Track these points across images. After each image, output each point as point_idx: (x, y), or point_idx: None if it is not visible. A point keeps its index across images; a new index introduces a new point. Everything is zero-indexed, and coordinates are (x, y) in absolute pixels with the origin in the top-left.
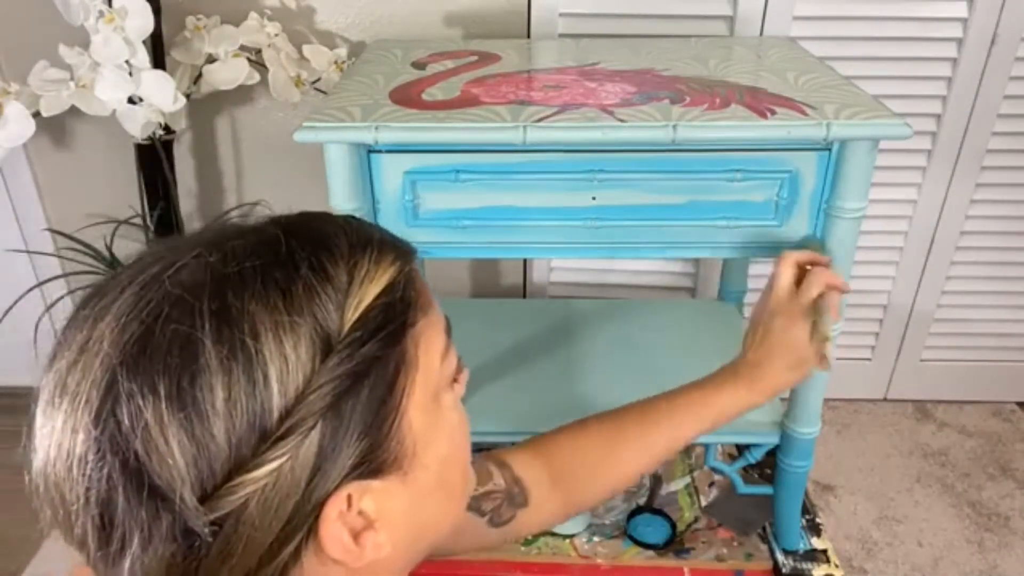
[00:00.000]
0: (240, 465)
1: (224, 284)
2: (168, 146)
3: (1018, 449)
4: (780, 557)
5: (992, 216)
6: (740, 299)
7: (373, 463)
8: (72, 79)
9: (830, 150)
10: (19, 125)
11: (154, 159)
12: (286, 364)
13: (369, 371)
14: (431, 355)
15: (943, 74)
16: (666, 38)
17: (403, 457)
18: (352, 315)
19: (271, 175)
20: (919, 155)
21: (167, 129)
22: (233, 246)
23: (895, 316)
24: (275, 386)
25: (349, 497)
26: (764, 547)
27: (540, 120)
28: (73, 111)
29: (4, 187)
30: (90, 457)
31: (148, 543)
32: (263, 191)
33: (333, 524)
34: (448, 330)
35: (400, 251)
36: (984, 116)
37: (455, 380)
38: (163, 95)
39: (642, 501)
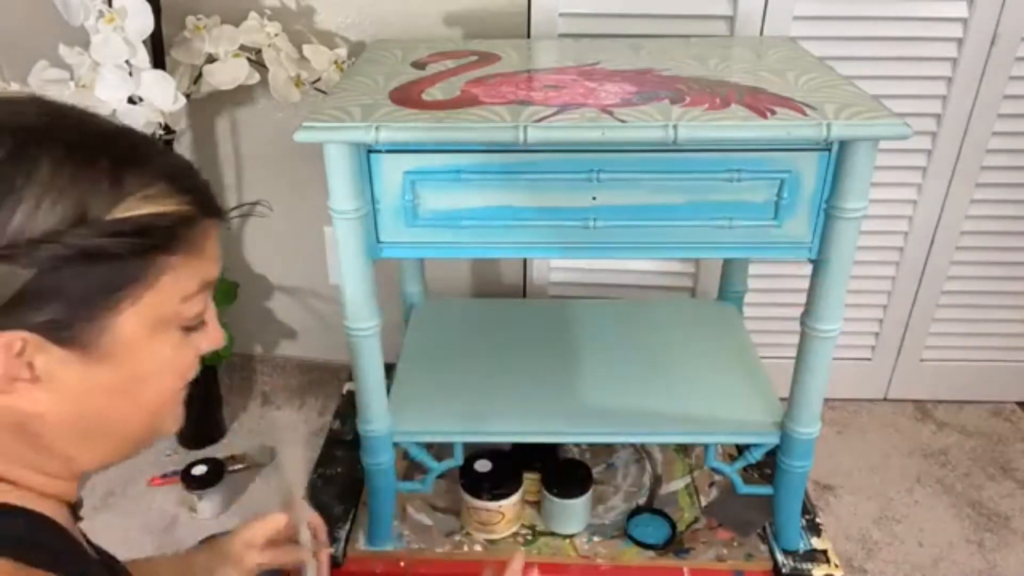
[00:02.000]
0: None
1: (44, 135)
2: (168, 146)
3: (1018, 449)
4: (780, 557)
5: (992, 216)
6: (740, 299)
7: (64, 332)
8: (72, 79)
9: (830, 150)
10: None
11: None
12: (37, 210)
13: (97, 261)
14: (174, 289)
15: (943, 74)
16: (666, 38)
17: (95, 345)
18: (115, 213)
19: (271, 175)
20: (919, 155)
21: (167, 129)
22: (82, 116)
23: (895, 316)
24: (18, 216)
25: (24, 342)
26: (764, 547)
27: (540, 120)
28: None
29: None
30: None
31: None
32: (263, 191)
33: None
34: (207, 285)
35: (203, 203)
36: (984, 116)
37: (192, 328)
38: (163, 95)
39: (642, 501)
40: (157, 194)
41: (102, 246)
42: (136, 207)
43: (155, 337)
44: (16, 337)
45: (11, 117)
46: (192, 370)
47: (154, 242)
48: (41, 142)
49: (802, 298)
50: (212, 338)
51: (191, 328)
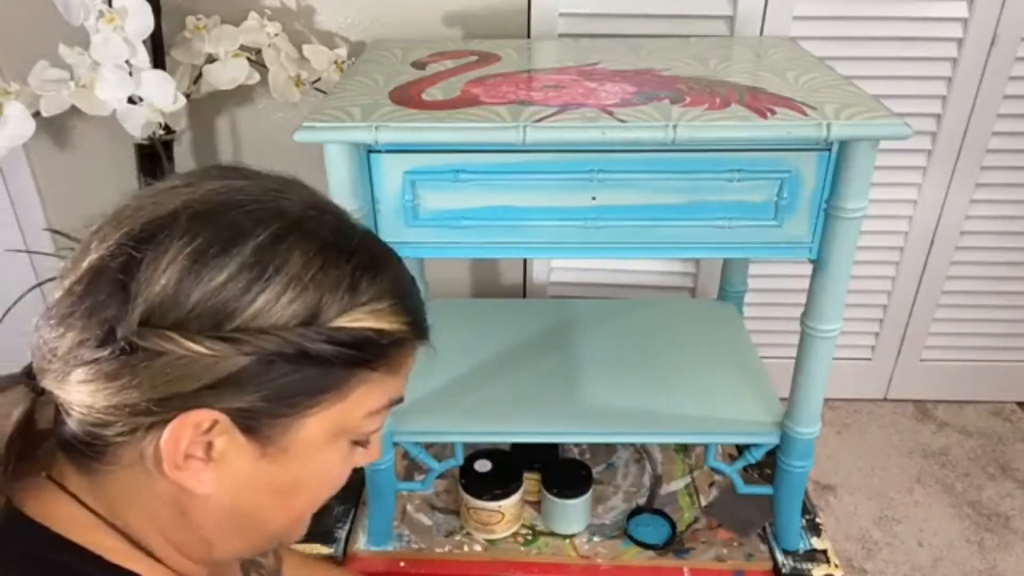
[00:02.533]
0: (182, 327)
1: (300, 226)
2: (168, 146)
3: (1018, 449)
4: (780, 557)
5: (992, 216)
6: (740, 299)
7: (251, 421)
8: (72, 79)
9: (830, 150)
10: (19, 125)
11: (154, 159)
12: (276, 303)
13: (311, 363)
14: (362, 403)
15: (943, 74)
16: (666, 38)
17: (274, 441)
18: (340, 321)
19: None
20: (919, 155)
21: (167, 129)
22: (340, 214)
23: (895, 316)
24: (258, 303)
25: (215, 422)
26: (764, 547)
27: (540, 120)
28: (73, 111)
29: (4, 187)
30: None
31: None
32: None
33: (184, 427)
34: (392, 404)
35: (417, 325)
36: (984, 116)
37: (362, 444)
38: (163, 95)
39: (642, 501)
40: (384, 310)
41: (321, 351)
42: (362, 319)
43: (329, 446)
44: (209, 416)
45: (278, 200)
46: (341, 483)
47: (366, 356)
48: (301, 234)
49: (802, 298)
50: (370, 455)
51: (360, 443)
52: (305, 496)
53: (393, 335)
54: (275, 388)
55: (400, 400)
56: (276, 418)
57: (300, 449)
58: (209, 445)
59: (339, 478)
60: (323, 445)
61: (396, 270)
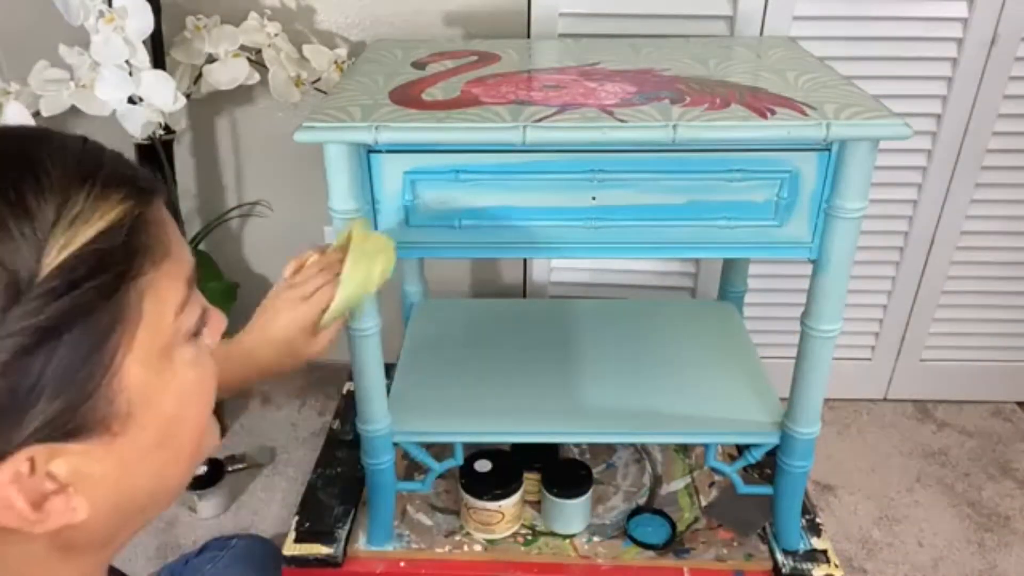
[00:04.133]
0: None
1: None
2: (168, 146)
3: (1018, 449)
4: (780, 557)
5: (992, 216)
6: (740, 299)
7: (70, 424)
8: (72, 79)
9: (830, 150)
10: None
11: (154, 159)
12: None
13: (68, 325)
14: (162, 308)
15: (943, 74)
16: (666, 38)
17: (112, 418)
18: (52, 260)
19: (271, 175)
20: (919, 155)
21: (167, 129)
22: None
23: (895, 316)
24: None
25: (32, 460)
26: (764, 547)
27: (540, 120)
28: (73, 111)
29: None
30: None
31: None
32: (263, 191)
33: (3, 489)
34: (191, 279)
35: (136, 188)
36: (984, 116)
37: (196, 333)
38: (163, 95)
39: (642, 501)
40: (84, 209)
41: (59, 312)
42: (70, 240)
43: (166, 369)
44: (19, 460)
45: None
46: (215, 376)
47: (116, 270)
48: None
49: (802, 298)
50: (215, 326)
51: (196, 333)
52: (188, 425)
53: (120, 224)
54: (53, 382)
55: (194, 270)
56: (87, 401)
57: (142, 399)
58: (51, 476)
59: (206, 379)
60: (160, 374)
61: (56, 149)
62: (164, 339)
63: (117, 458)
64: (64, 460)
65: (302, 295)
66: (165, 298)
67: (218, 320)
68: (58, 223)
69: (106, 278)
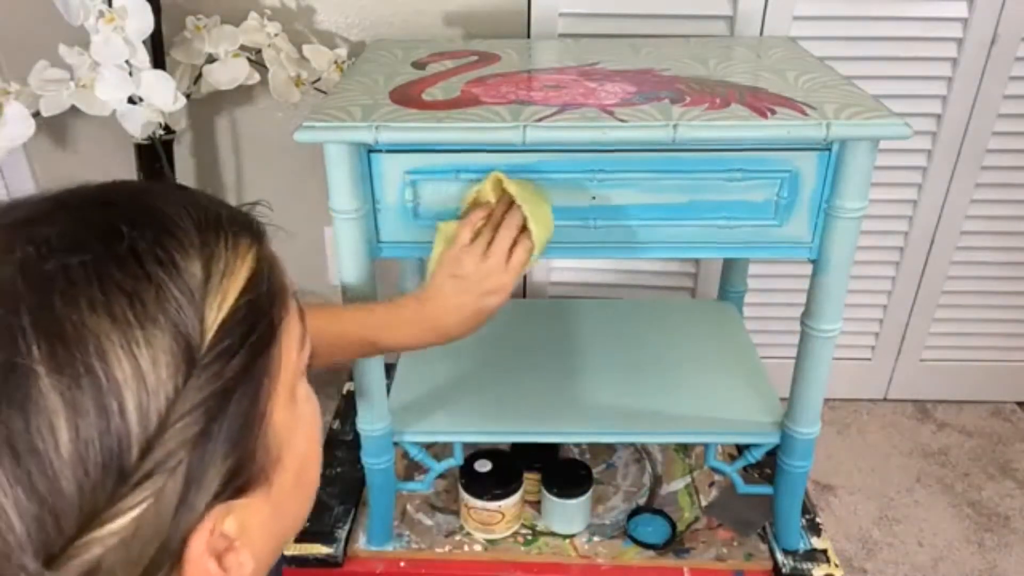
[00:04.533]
0: (93, 517)
1: (48, 290)
2: (168, 146)
3: (1018, 449)
4: (780, 557)
5: (992, 216)
6: (740, 299)
7: (239, 481)
8: (72, 79)
9: (830, 150)
10: (19, 125)
11: (154, 159)
12: (144, 387)
13: (238, 384)
14: (290, 352)
15: (943, 74)
16: (666, 38)
17: (269, 466)
18: (215, 319)
19: (271, 175)
20: (919, 155)
21: (167, 129)
22: (47, 235)
23: (895, 316)
24: (133, 416)
25: (213, 527)
26: (764, 547)
27: (540, 120)
28: (73, 111)
29: (4, 187)
30: None
31: None
32: (263, 191)
33: (200, 558)
34: (303, 312)
35: (254, 230)
36: (984, 116)
37: (309, 365)
38: (163, 95)
39: (642, 501)
40: (227, 260)
41: (232, 373)
42: (224, 295)
43: (295, 408)
44: (206, 525)
45: None
46: (316, 401)
47: (267, 320)
48: (70, 300)
49: (802, 298)
50: (309, 349)
51: (309, 366)
52: (313, 462)
53: (261, 269)
54: (226, 443)
55: (296, 298)
56: (251, 454)
57: (285, 441)
58: (224, 537)
59: (318, 413)
60: (293, 414)
61: (179, 203)
62: (293, 378)
63: (271, 505)
64: (234, 516)
65: (498, 264)
66: (292, 338)
67: (308, 345)
68: (210, 280)
69: (262, 330)
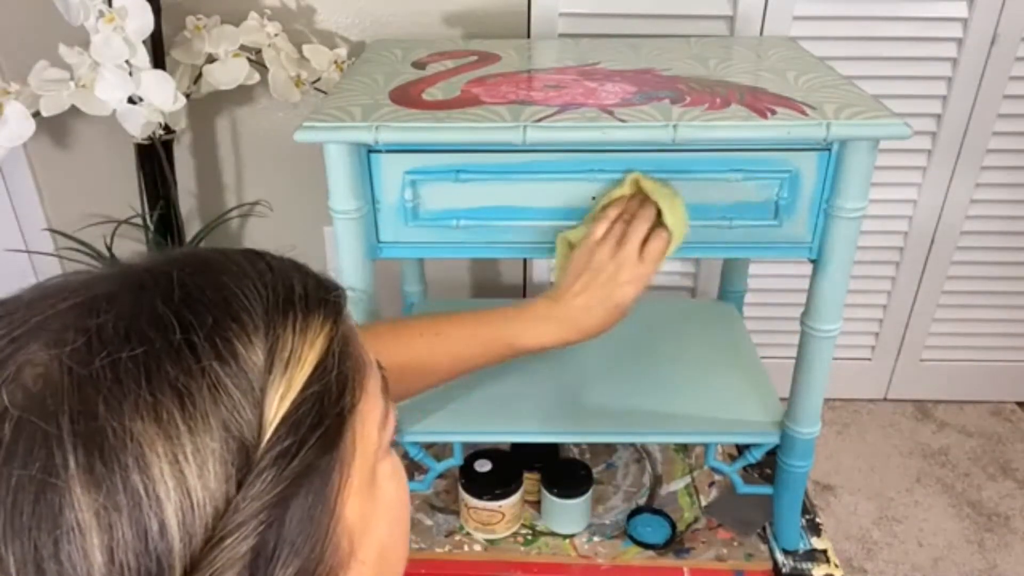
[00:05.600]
0: None
1: (92, 392)
2: (168, 146)
3: (1018, 449)
4: (780, 557)
5: (992, 216)
6: (740, 299)
7: None
8: (72, 79)
9: (830, 150)
10: (19, 125)
11: (154, 159)
12: (190, 501)
13: (300, 487)
14: (369, 434)
15: (943, 74)
16: (666, 38)
17: (340, 564)
18: (275, 415)
19: (271, 175)
20: (919, 155)
21: (167, 129)
22: (101, 324)
23: (895, 316)
24: (175, 534)
25: None
26: (764, 547)
27: (540, 120)
28: (73, 111)
29: (4, 187)
30: None
31: None
32: (263, 191)
33: None
34: (386, 386)
35: (330, 303)
36: (984, 116)
37: (393, 443)
38: (163, 95)
39: (642, 501)
40: (295, 345)
41: (293, 475)
42: (288, 386)
43: (374, 494)
44: None
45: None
46: (405, 478)
47: (336, 410)
48: (113, 403)
49: (802, 298)
50: (393, 425)
51: (393, 442)
52: (398, 549)
53: (331, 352)
54: (288, 546)
55: (382, 372)
56: (320, 556)
57: (360, 532)
58: None
59: (405, 491)
60: (372, 499)
61: (249, 277)
62: (372, 461)
63: None
64: None
65: (632, 253)
66: (371, 421)
67: (393, 415)
68: (272, 370)
69: (330, 422)
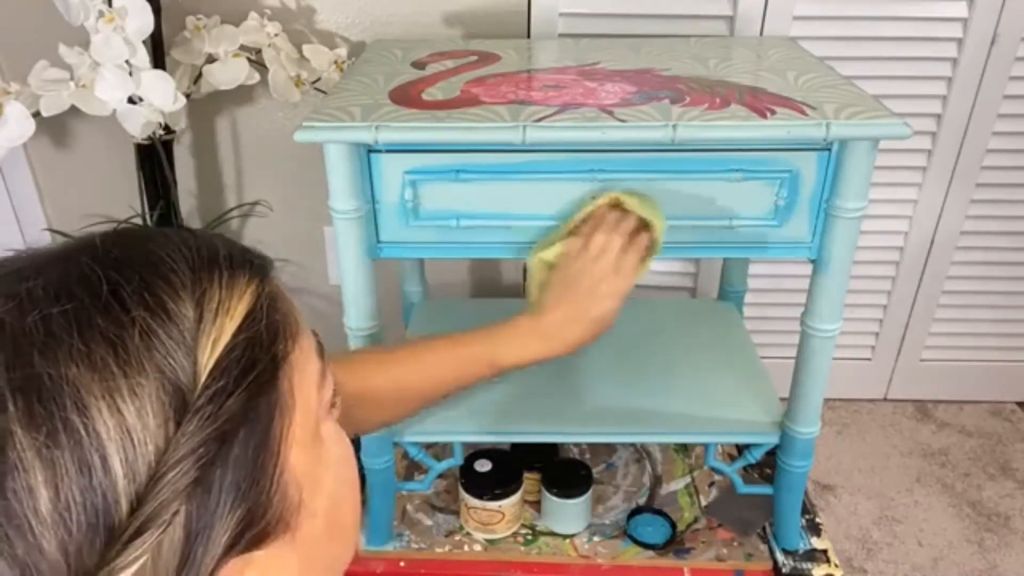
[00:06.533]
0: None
1: (26, 344)
2: (168, 146)
3: (1018, 449)
4: (780, 557)
5: (992, 216)
6: (740, 299)
7: (253, 531)
8: (72, 79)
9: (830, 150)
10: (19, 125)
11: (154, 159)
12: (130, 438)
13: (238, 427)
14: (307, 387)
15: (943, 74)
16: (666, 38)
17: (289, 513)
18: (208, 360)
19: (271, 175)
20: (919, 155)
21: (167, 129)
22: (30, 288)
23: (895, 316)
24: (118, 470)
25: None
26: (764, 547)
27: (540, 120)
28: (73, 111)
29: (4, 187)
30: None
31: None
32: (263, 191)
33: None
34: (321, 348)
35: (255, 264)
36: (984, 116)
37: (333, 404)
38: (163, 95)
39: (642, 501)
40: (222, 298)
41: (228, 415)
42: (218, 334)
43: (320, 448)
44: None
45: None
46: (349, 441)
47: (267, 356)
48: (48, 352)
49: (802, 298)
50: (332, 387)
51: (333, 404)
52: (348, 506)
53: (259, 305)
54: (231, 491)
55: (317, 337)
56: (266, 502)
57: (309, 485)
58: None
59: (351, 454)
60: (318, 454)
61: (174, 243)
62: (314, 418)
63: (298, 554)
64: (254, 569)
65: (607, 266)
66: (307, 375)
67: (331, 382)
68: (202, 319)
69: (262, 366)
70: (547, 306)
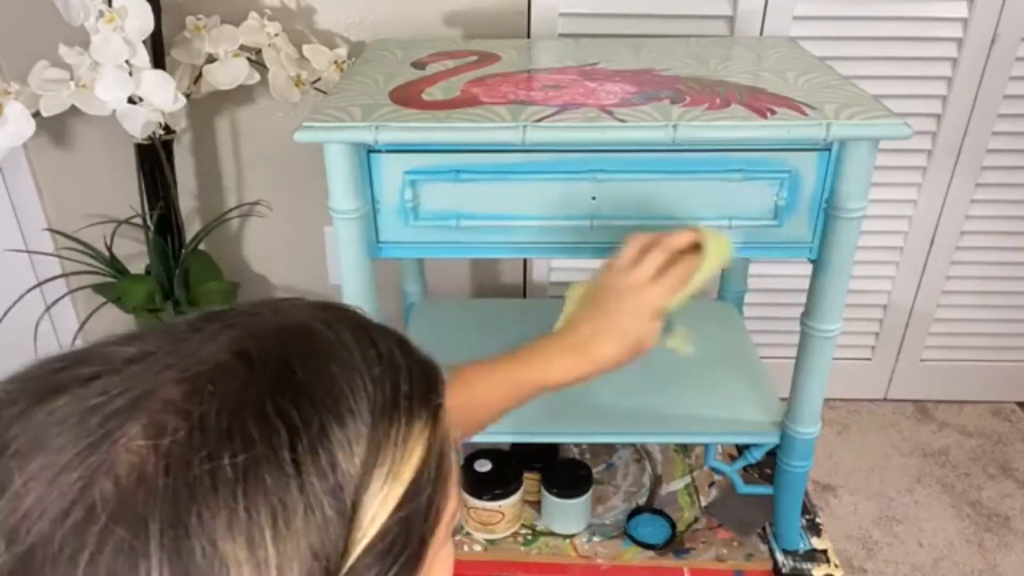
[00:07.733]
0: None
1: (187, 499)
2: (168, 146)
3: (1018, 449)
4: (780, 557)
5: (992, 216)
6: (740, 299)
7: None
8: (72, 79)
9: (830, 150)
10: (19, 125)
11: (154, 159)
12: None
13: None
14: (445, 527)
15: (943, 74)
16: (666, 38)
17: None
18: (361, 537)
19: (271, 175)
20: (919, 155)
21: (167, 129)
22: (204, 414)
23: (895, 316)
24: None
25: None
26: (764, 547)
27: (540, 120)
28: (73, 111)
29: (4, 187)
30: None
31: None
32: (263, 191)
33: None
34: (459, 477)
35: (433, 403)
36: (984, 116)
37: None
38: (163, 95)
39: (642, 501)
40: (395, 459)
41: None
42: (380, 507)
43: None
44: None
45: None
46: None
47: (422, 531)
48: (205, 511)
49: (802, 298)
50: (458, 515)
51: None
52: None
53: (427, 465)
54: None
55: (457, 450)
56: None
57: None
58: None
59: (451, 558)
60: None
61: (353, 370)
62: (438, 550)
63: None
64: None
65: (642, 279)
66: (447, 517)
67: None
68: (369, 487)
69: (411, 550)
70: (577, 320)
